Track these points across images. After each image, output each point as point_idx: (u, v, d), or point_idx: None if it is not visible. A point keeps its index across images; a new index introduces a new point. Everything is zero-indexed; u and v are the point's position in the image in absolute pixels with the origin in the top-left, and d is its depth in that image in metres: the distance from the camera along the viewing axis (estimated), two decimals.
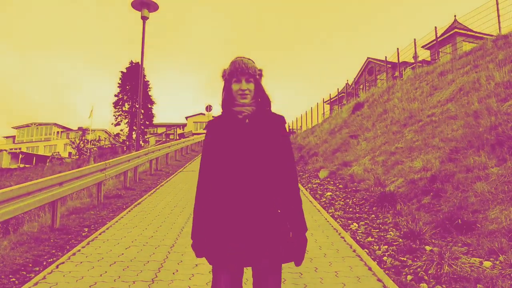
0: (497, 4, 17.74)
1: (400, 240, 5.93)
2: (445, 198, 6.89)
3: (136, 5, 19.03)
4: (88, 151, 45.17)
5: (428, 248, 5.37)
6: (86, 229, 7.46)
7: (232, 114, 2.35)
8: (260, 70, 2.41)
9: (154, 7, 19.24)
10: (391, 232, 6.46)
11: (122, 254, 5.77)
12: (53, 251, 6.13)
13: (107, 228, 7.41)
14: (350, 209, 8.43)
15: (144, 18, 19.15)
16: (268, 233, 2.23)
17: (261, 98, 2.40)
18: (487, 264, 4.60)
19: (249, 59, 2.39)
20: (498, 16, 17.61)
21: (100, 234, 7.01)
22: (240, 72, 2.29)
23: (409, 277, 4.64)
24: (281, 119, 2.41)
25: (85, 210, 9.19)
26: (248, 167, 2.27)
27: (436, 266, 4.65)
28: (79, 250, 6.00)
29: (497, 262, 4.60)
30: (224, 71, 2.39)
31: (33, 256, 5.80)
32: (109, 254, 5.79)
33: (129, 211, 9.07)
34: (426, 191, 7.52)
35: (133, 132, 48.31)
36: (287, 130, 2.57)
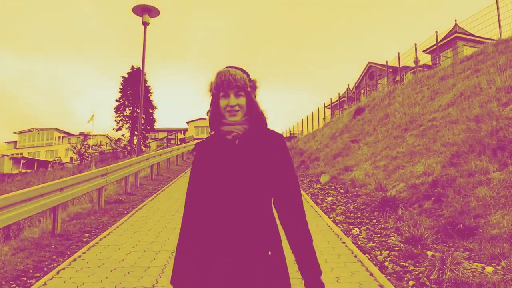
0: (498, 8, 17.78)
1: (402, 245, 5.91)
2: (447, 203, 6.87)
3: (137, 11, 19.09)
4: (90, 156, 45.22)
5: (429, 253, 5.35)
6: (87, 235, 7.45)
7: (221, 135, 2.00)
8: (253, 82, 2.03)
9: (155, 13, 19.30)
10: (392, 237, 6.44)
11: (123, 259, 5.76)
12: (54, 256, 6.12)
13: (108, 234, 7.40)
14: (352, 214, 8.41)
15: (145, 24, 19.20)
16: (255, 281, 1.84)
17: (255, 115, 2.02)
18: (489, 269, 4.58)
19: (238, 68, 2.03)
20: (499, 20, 17.64)
21: (101, 239, 7.00)
22: (227, 85, 1.93)
23: (411, 283, 4.62)
24: (278, 138, 2.02)
25: (86, 215, 9.18)
26: (235, 199, 1.89)
27: (438, 271, 4.64)
28: (79, 256, 5.99)
29: (499, 268, 4.58)
30: (210, 85, 2.03)
31: (34, 262, 5.79)
32: (110, 260, 5.78)
33: (130, 216, 9.06)
34: (427, 196, 7.51)
35: (134, 137, 48.31)
36: (287, 148, 2.16)
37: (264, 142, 1.98)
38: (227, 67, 2.02)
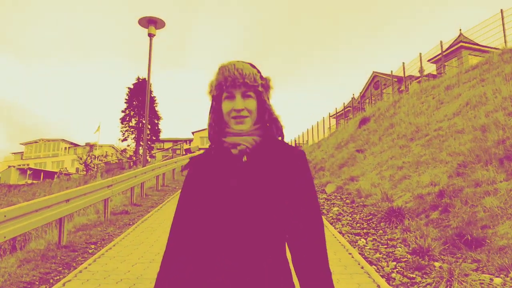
0: (502, 18, 17.79)
1: (409, 256, 5.87)
2: (454, 213, 6.82)
3: (143, 23, 19.22)
4: (96, 167, 45.33)
5: (437, 264, 5.31)
6: (92, 246, 7.45)
7: (224, 148, 1.54)
8: (266, 80, 1.58)
9: (160, 24, 19.41)
10: (399, 248, 6.39)
11: (129, 271, 5.75)
12: (60, 268, 6.12)
13: (114, 245, 7.40)
14: (358, 225, 8.36)
15: (151, 35, 19.32)
16: None
17: (268, 123, 1.57)
18: (498, 281, 4.53)
19: (246, 62, 1.58)
20: (504, 30, 17.65)
21: (106, 251, 6.99)
22: (232, 83, 1.49)
23: None
24: (299, 156, 1.54)
25: (91, 226, 9.19)
26: (239, 235, 1.44)
27: (446, 283, 4.59)
28: (85, 268, 5.99)
29: (508, 279, 4.53)
30: (210, 84, 1.58)
31: (40, 274, 5.79)
32: (116, 271, 5.77)
33: (136, 227, 9.06)
34: (434, 206, 7.46)
35: (140, 148, 48.47)
36: (309, 171, 1.62)
37: (280, 160, 1.52)
38: (231, 61, 1.57)
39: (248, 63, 1.58)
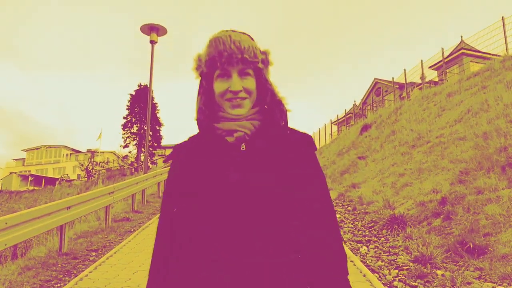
0: (504, 25, 17.82)
1: (411, 264, 5.84)
2: (456, 220, 6.80)
3: (145, 30, 19.29)
4: (97, 173, 45.37)
5: (439, 272, 5.28)
6: (93, 254, 7.43)
7: (217, 135, 1.29)
8: (265, 53, 1.34)
9: (162, 31, 19.49)
10: (401, 256, 6.36)
11: (130, 279, 5.73)
12: (61, 276, 6.10)
13: (115, 253, 7.38)
14: (360, 232, 8.33)
15: (153, 42, 19.39)
16: None
17: (269, 105, 1.33)
18: None
19: (242, 33, 1.32)
20: (505, 36, 17.69)
21: (107, 258, 6.97)
22: (228, 59, 1.23)
23: None
24: (306, 141, 1.33)
25: (93, 233, 9.17)
26: (239, 241, 1.16)
27: None
28: (86, 275, 5.97)
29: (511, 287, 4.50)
30: (198, 59, 1.32)
31: (41, 282, 5.77)
32: (116, 279, 5.75)
33: (137, 234, 9.04)
34: (436, 214, 7.43)
35: (141, 154, 48.50)
36: (317, 159, 1.35)
37: (285, 148, 1.29)
38: (224, 31, 1.31)
39: (246, 34, 1.33)
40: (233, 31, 1.30)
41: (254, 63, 1.28)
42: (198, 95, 1.36)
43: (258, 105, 1.34)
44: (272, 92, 1.34)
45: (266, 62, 1.34)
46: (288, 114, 1.35)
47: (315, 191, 1.28)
